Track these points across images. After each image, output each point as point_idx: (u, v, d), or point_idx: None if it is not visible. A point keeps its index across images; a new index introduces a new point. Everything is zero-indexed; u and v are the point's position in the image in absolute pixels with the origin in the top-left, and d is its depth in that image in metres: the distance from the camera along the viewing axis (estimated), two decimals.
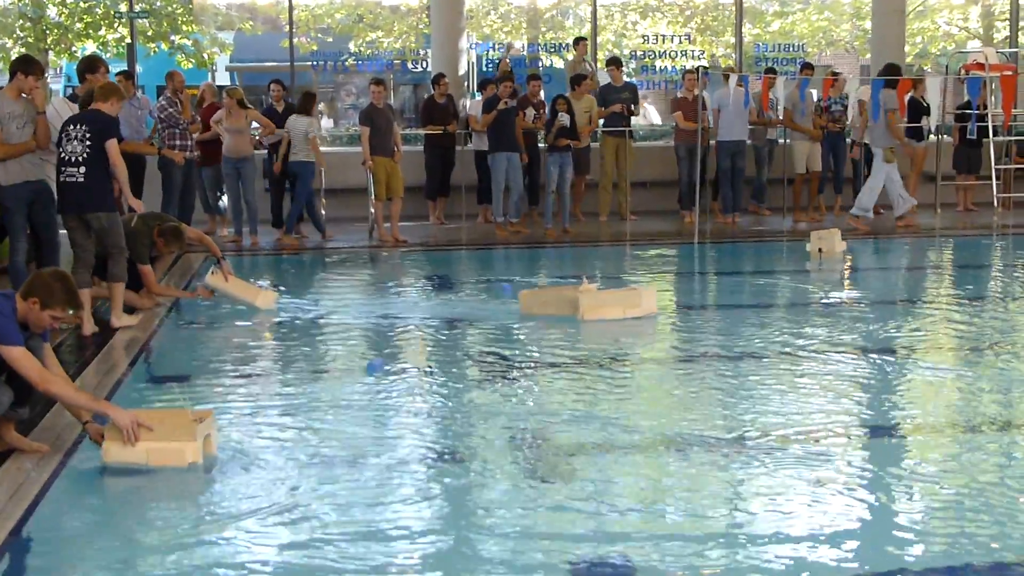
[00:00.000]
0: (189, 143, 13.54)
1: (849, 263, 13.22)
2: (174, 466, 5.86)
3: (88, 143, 8.87)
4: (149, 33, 23.27)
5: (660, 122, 20.61)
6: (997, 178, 16.23)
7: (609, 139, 16.08)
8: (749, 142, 16.21)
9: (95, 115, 9.00)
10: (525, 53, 20.09)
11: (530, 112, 15.27)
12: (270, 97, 15.23)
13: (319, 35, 22.79)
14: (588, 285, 9.75)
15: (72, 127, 9.00)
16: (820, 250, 13.27)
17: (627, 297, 9.93)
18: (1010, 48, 19.87)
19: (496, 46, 20.82)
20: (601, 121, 16.24)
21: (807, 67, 17.29)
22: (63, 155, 8.95)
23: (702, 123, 14.97)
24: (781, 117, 16.27)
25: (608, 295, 9.98)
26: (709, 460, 6.02)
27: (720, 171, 15.78)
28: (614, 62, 16.77)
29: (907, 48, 20.73)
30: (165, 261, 11.88)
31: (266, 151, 14.94)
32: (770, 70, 17.11)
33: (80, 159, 8.85)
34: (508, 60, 18.05)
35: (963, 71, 17.92)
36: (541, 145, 15.82)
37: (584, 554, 4.82)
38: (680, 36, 21.58)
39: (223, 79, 26.30)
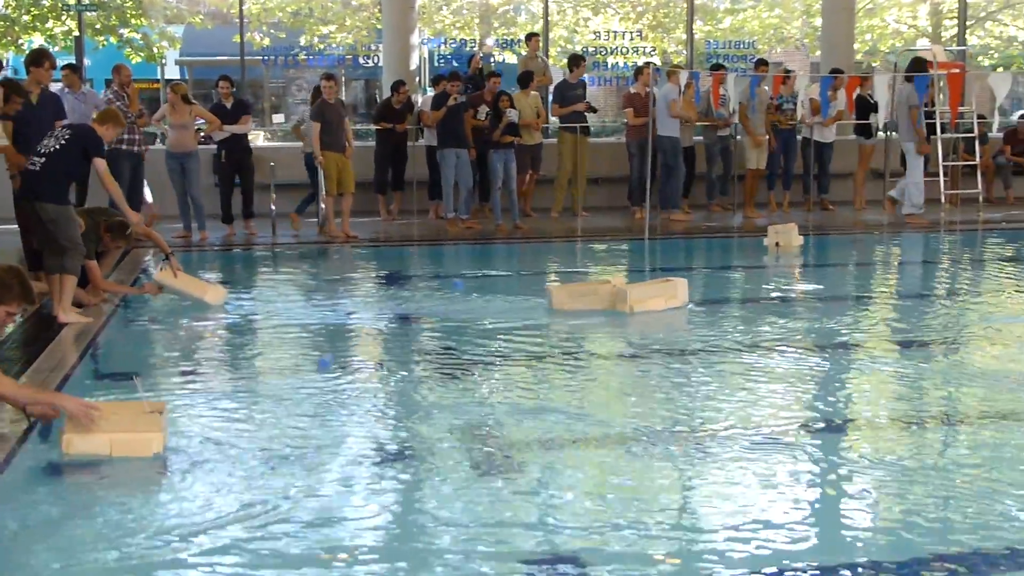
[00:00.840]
0: (137, 137, 13.41)
1: (805, 258, 13.32)
2: (138, 456, 5.84)
3: (63, 143, 9.02)
4: (97, 26, 23.07)
5: None
6: (944, 175, 16.39)
7: (567, 135, 16.08)
8: (701, 139, 16.30)
9: (87, 130, 9.24)
10: (476, 49, 20.08)
11: (483, 109, 15.25)
12: (218, 94, 15.08)
13: (270, 30, 22.70)
14: (619, 278, 9.99)
15: (60, 129, 9.30)
16: (777, 244, 13.38)
17: (666, 289, 10.04)
18: (958, 46, 20.07)
19: (459, 42, 20.81)
20: (554, 119, 16.27)
21: (762, 64, 17.39)
22: (38, 147, 9.09)
23: (652, 118, 15.02)
24: (736, 114, 16.34)
25: (649, 287, 10.09)
26: (660, 453, 6.03)
27: (661, 167, 15.77)
28: (576, 59, 16.77)
29: (857, 45, 20.88)
30: (112, 256, 11.77)
31: (215, 147, 14.86)
32: (718, 66, 17.18)
33: (46, 151, 8.98)
34: (480, 57, 17.98)
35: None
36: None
37: (535, 548, 4.82)
38: (632, 32, 21.66)
39: (173, 73, 26.15)
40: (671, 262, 13.34)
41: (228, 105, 14.67)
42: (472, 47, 20.27)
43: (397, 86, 15.84)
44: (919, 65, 16.17)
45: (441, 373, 7.97)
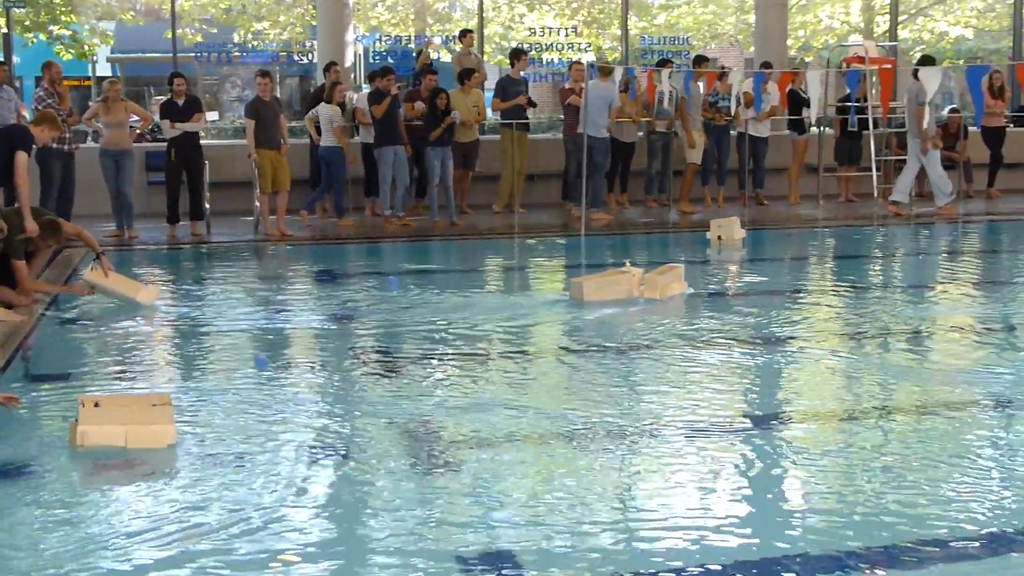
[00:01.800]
0: (67, 135, 13.21)
1: (748, 251, 13.43)
2: (152, 448, 5.94)
3: None
4: (27, 23, 22.72)
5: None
6: (877, 169, 16.56)
7: (509, 131, 16.07)
8: (642, 135, 16.37)
9: (18, 129, 9.12)
10: (413, 46, 19.99)
11: (419, 105, 15.17)
12: (171, 90, 14.75)
13: (203, 26, 22.47)
14: (633, 268, 10.21)
15: None
16: (719, 238, 13.46)
17: (677, 275, 10.37)
18: (890, 41, 20.27)
19: (394, 38, 20.70)
20: (490, 113, 16.24)
21: (702, 60, 17.47)
22: None
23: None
24: (676, 110, 16.37)
25: (664, 276, 10.29)
26: (599, 449, 6.04)
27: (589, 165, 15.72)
28: (517, 53, 16.76)
29: (790, 41, 21.03)
30: (43, 256, 11.59)
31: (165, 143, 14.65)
32: (664, 62, 17.24)
33: None
34: (429, 52, 17.84)
35: (844, 64, 18.23)
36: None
37: (472, 545, 4.80)
38: (567, 29, 21.68)
39: (104, 71, 25.84)
40: (619, 257, 13.34)
41: (180, 102, 14.43)
42: (409, 44, 20.17)
43: (333, 85, 15.59)
44: (929, 62, 16.38)
45: (379, 371, 7.95)
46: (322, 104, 14.95)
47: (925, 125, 15.92)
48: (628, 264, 10.34)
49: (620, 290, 9.98)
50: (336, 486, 5.61)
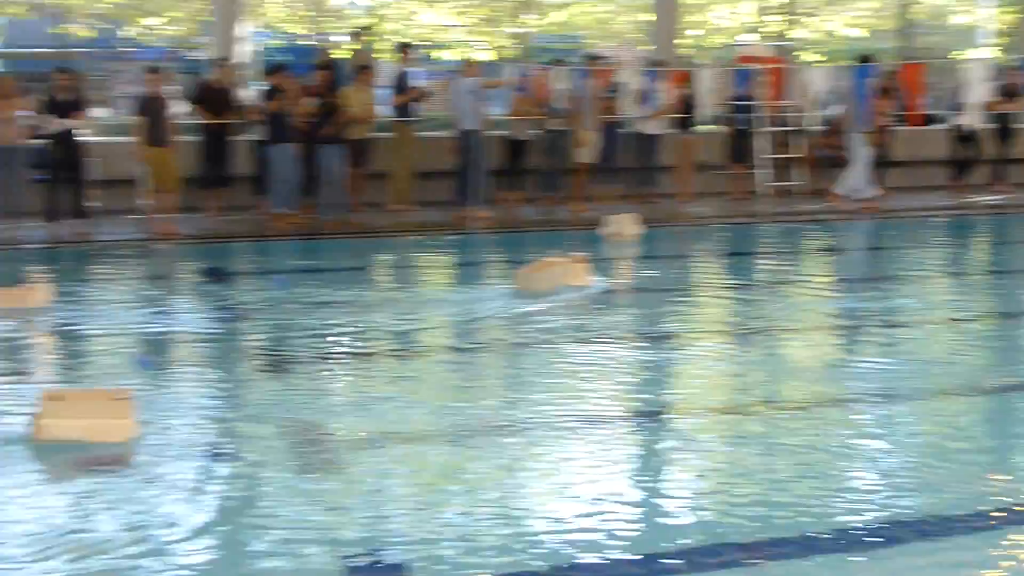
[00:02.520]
0: None
1: (643, 248, 13.52)
2: (111, 441, 5.96)
3: None
4: None
5: None
6: (766, 167, 16.79)
7: (401, 128, 16.00)
8: (534, 131, 16.42)
9: None
10: (312, 42, 19.85)
11: (308, 101, 15.02)
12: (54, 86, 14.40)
13: (92, 21, 22.08)
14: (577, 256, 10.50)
15: None
16: (615, 234, 13.56)
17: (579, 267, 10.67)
18: (780, 41, 20.56)
19: (290, 35, 20.52)
20: (385, 110, 16.15)
21: (594, 58, 17.55)
22: None
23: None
24: (567, 108, 16.43)
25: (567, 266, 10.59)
26: (489, 446, 6.06)
27: (465, 162, 15.67)
28: (404, 47, 16.71)
29: (683, 40, 21.22)
30: None
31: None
32: (558, 61, 17.31)
33: None
34: (327, 51, 17.62)
35: (736, 63, 18.47)
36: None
37: (360, 549, 4.78)
38: (463, 27, 21.68)
39: None
40: (514, 255, 13.36)
41: (63, 98, 14.08)
42: (306, 41, 20.03)
43: (219, 62, 15.34)
44: (867, 60, 16.84)
45: (266, 371, 7.89)
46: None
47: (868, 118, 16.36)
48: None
49: (553, 279, 10.17)
50: (220, 489, 5.55)
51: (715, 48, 25.68)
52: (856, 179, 16.63)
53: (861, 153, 16.52)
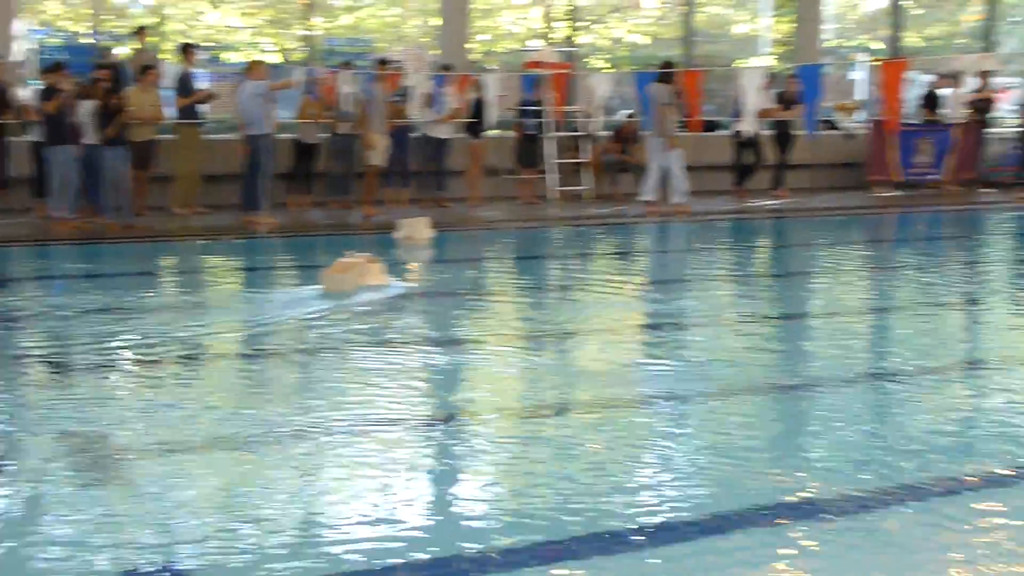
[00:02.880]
0: None
1: (436, 251, 13.56)
2: None
3: None
4: None
5: None
6: (555, 172, 17.03)
7: (186, 130, 15.67)
8: (322, 135, 16.28)
9: None
10: (93, 41, 19.25)
11: (88, 104, 14.55)
12: None
13: None
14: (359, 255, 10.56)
15: None
16: (407, 238, 13.56)
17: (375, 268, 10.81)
18: (568, 47, 20.85)
19: (69, 33, 19.84)
20: (169, 111, 15.81)
21: (382, 62, 17.49)
22: None
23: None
24: (356, 111, 16.33)
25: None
26: (275, 454, 5.97)
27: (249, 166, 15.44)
28: (187, 47, 16.38)
29: (473, 45, 21.33)
30: None
31: None
32: (346, 64, 17.20)
33: None
34: (108, 50, 17.08)
35: (524, 68, 18.68)
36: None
37: (146, 560, 4.65)
38: (249, 27, 21.34)
39: None
40: (304, 259, 13.22)
41: None
42: (86, 39, 19.40)
43: None
44: (668, 66, 17.28)
45: (44, 379, 7.63)
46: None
47: (666, 125, 16.63)
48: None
49: (352, 280, 10.24)
50: None
51: (504, 53, 25.92)
52: (656, 185, 17.02)
53: (659, 159, 16.90)
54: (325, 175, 16.72)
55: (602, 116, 18.96)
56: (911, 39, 23.76)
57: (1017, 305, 10.83)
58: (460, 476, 5.81)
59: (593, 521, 5.10)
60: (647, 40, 23.60)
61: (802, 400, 7.34)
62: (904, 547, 4.82)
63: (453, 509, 5.37)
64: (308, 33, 20.57)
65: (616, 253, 14.67)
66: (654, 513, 5.22)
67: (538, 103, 17.90)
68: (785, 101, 18.81)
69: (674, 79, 17.38)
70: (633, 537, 4.95)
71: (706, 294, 11.41)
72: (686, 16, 21.98)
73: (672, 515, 5.19)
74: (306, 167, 16.63)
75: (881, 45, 23.38)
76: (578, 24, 21.73)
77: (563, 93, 18.04)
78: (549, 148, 17.87)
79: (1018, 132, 21.38)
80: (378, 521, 5.11)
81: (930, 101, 20.76)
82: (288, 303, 9.94)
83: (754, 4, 23.66)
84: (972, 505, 5.28)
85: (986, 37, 23.83)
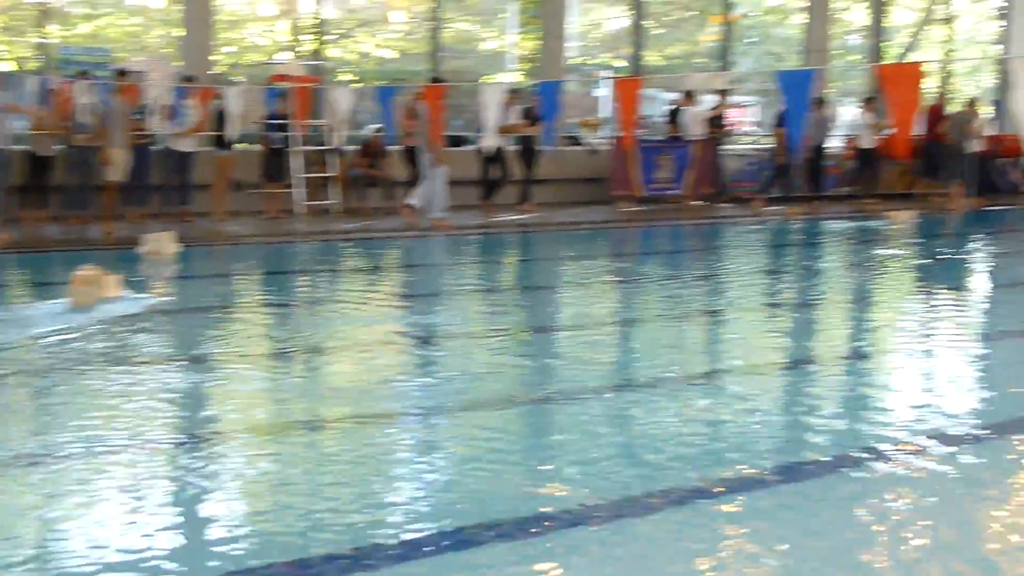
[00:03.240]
0: None
1: (182, 266, 13.20)
2: None
3: None
4: None
5: None
6: (302, 186, 16.84)
7: None
8: (58, 147, 15.68)
9: None
10: None
11: None
12: None
13: None
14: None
15: None
16: (151, 253, 13.21)
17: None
18: (315, 61, 20.67)
19: None
20: None
21: (121, 73, 16.97)
22: None
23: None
24: (93, 123, 15.77)
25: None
26: (8, 481, 5.67)
27: None
28: None
29: (218, 57, 20.93)
30: None
31: None
32: (83, 73, 16.60)
33: None
34: None
35: (270, 81, 18.44)
36: None
37: None
38: None
39: None
40: (40, 276, 12.67)
41: None
42: None
43: None
44: (437, 80, 17.72)
45: None
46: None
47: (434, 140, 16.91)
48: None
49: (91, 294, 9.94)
50: None
51: (251, 66, 25.51)
52: (427, 195, 17.10)
53: (431, 173, 17.01)
54: (61, 189, 16.07)
55: (347, 130, 18.87)
56: (652, 58, 24.47)
57: (755, 314, 11.21)
58: (205, 497, 5.63)
59: (344, 538, 5.04)
60: (395, 55, 23.62)
61: (552, 411, 7.41)
62: (657, 553, 4.89)
63: (198, 531, 5.21)
64: (43, 41, 19.78)
65: (365, 268, 14.58)
66: (406, 529, 5.18)
67: (284, 117, 17.68)
68: (531, 117, 19.09)
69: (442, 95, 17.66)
70: (387, 552, 4.91)
71: (456, 308, 11.44)
72: (434, 32, 22.09)
73: (425, 529, 5.17)
74: (41, 180, 15.96)
75: (624, 63, 24.00)
76: (326, 38, 21.56)
77: (308, 107, 17.87)
78: (295, 162, 17.67)
79: (754, 148, 22.30)
80: (120, 549, 4.91)
81: (673, 118, 21.45)
82: (22, 321, 9.49)
83: (501, 21, 23.96)
84: (718, 509, 5.41)
85: (723, 57, 24.74)
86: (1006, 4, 27.82)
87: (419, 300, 11.96)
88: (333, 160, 18.45)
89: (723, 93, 21.81)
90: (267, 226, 16.98)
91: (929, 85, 26.88)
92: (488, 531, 5.15)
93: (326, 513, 5.31)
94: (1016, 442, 6.65)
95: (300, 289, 12.93)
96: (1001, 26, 28.26)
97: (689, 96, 21.41)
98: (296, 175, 17.62)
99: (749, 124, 25.14)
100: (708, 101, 21.81)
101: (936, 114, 22.61)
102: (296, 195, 17.72)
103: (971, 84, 28.92)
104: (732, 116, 22.79)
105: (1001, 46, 27.98)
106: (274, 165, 17.79)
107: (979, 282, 13.95)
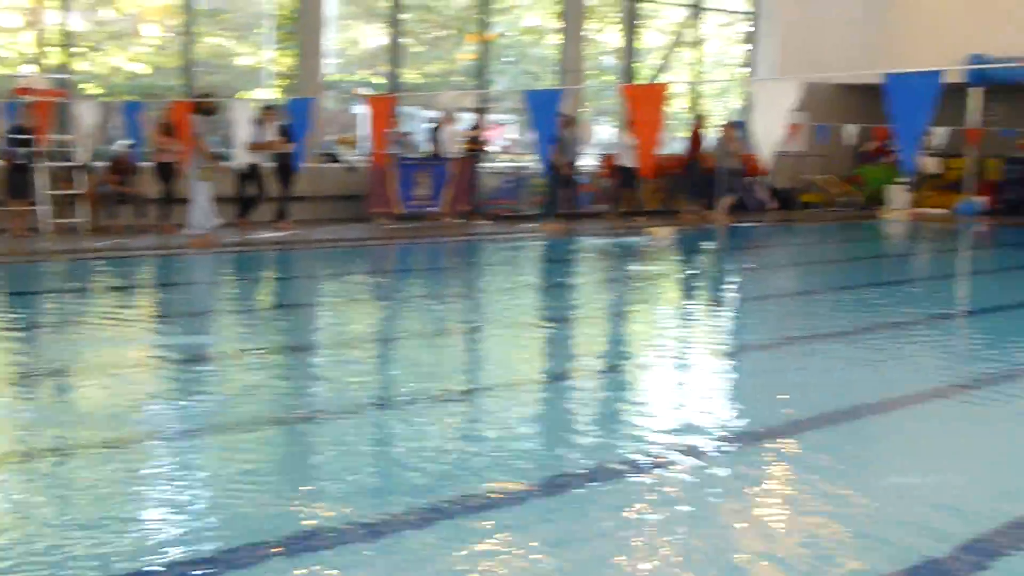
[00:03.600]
0: None
1: None
2: None
3: None
4: None
5: None
6: (47, 204, 16.27)
7: None
8: None
9: None
10: None
11: None
12: None
13: None
14: None
15: None
16: None
17: None
18: (62, 74, 19.96)
19: None
20: None
21: None
22: None
23: None
24: None
25: None
26: None
27: None
28: None
29: None
30: None
31: None
32: None
33: None
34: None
35: (13, 94, 17.75)
36: None
37: None
38: None
39: None
40: None
41: None
42: None
43: None
44: (206, 96, 17.37)
45: None
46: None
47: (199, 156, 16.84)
48: None
49: None
50: None
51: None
52: (198, 215, 16.85)
53: (196, 188, 16.77)
54: None
55: (95, 145, 18.32)
56: (411, 75, 24.54)
57: (514, 331, 11.32)
58: None
59: (102, 566, 4.85)
60: (148, 69, 23.05)
61: (312, 431, 7.33)
62: (419, 569, 4.88)
63: None
64: None
65: (117, 287, 14.10)
66: (165, 552, 5.02)
67: (28, 131, 17.02)
68: (287, 134, 18.91)
69: (214, 109, 17.34)
70: None
71: (212, 328, 11.21)
72: (186, 46, 21.62)
73: (186, 552, 5.03)
74: None
75: (383, 80, 24.00)
76: (73, 50, 20.86)
77: (53, 121, 17.27)
78: (40, 179, 17.03)
79: (510, 167, 22.62)
80: None
81: (434, 136, 21.59)
82: None
83: (257, 37, 23.63)
84: (479, 524, 5.43)
85: (480, 75, 25.00)
86: (752, 28, 29.07)
87: (174, 320, 11.64)
88: (81, 176, 17.86)
89: (481, 112, 22.04)
90: (11, 244, 16.29)
91: (680, 106, 27.87)
92: (251, 551, 5.05)
93: (77, 545, 5.11)
94: (764, 451, 6.91)
95: (48, 310, 12.42)
96: (747, 50, 29.49)
97: (448, 115, 21.56)
98: (41, 192, 16.97)
99: (506, 142, 25.48)
100: (467, 120, 22.02)
101: (696, 135, 23.57)
102: (41, 212, 17.08)
103: (720, 105, 30.07)
104: (490, 134, 23.07)
105: (748, 69, 29.21)
106: (18, 181, 17.10)
107: (729, 296, 14.47)
